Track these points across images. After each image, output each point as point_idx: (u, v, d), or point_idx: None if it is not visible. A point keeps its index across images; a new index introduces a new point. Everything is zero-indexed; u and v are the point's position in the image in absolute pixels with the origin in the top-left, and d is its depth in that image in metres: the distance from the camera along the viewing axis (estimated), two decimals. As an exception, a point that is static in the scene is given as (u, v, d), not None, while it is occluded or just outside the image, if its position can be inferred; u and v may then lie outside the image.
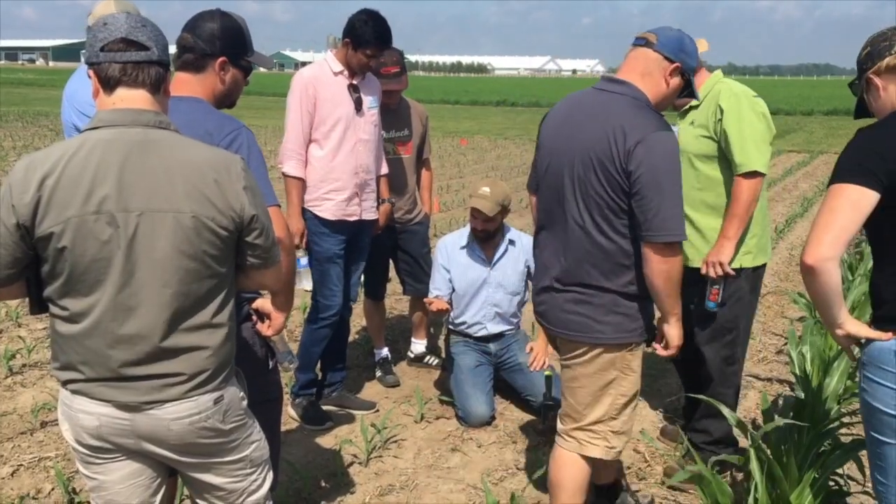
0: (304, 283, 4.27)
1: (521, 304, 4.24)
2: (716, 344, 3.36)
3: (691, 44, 2.51)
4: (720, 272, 3.22)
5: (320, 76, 3.77)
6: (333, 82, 3.77)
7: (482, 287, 4.12)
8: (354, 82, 3.81)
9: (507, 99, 41.76)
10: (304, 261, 3.99)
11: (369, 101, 3.87)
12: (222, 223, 1.80)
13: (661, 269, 2.35)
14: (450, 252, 4.19)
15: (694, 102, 3.34)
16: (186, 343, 1.81)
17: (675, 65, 2.45)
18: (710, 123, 3.24)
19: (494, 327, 4.17)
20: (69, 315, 1.78)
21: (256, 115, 25.31)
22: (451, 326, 4.31)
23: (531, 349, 4.04)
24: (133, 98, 1.80)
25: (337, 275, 3.88)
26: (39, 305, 1.84)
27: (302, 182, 3.75)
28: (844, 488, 2.85)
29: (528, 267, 4.12)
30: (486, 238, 4.11)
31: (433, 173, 4.89)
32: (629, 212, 2.36)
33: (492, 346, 4.18)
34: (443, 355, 4.75)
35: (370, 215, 3.97)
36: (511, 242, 4.15)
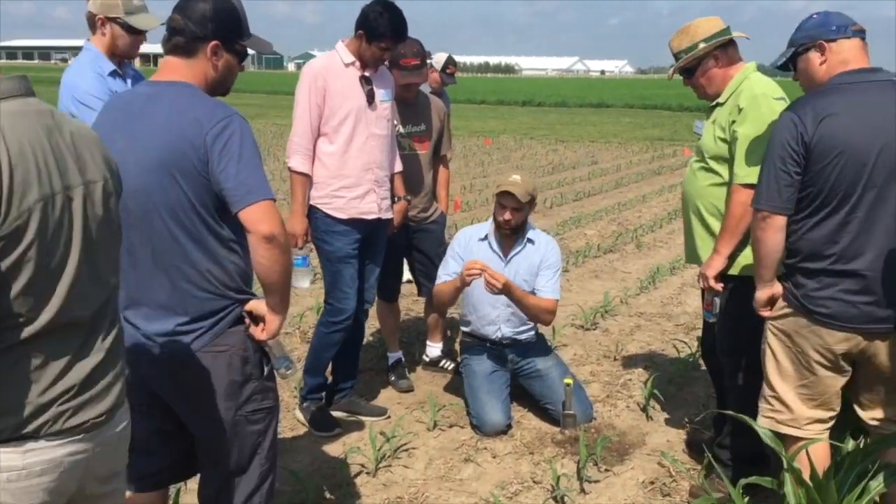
0: (301, 283, 4.13)
1: None
2: (737, 355, 3.13)
3: None
4: (703, 285, 3.15)
5: (331, 67, 3.60)
6: (344, 73, 3.60)
7: None
8: (366, 74, 3.63)
9: (534, 99, 41.38)
10: (299, 260, 3.82)
11: (382, 94, 3.69)
12: None
13: None
14: (467, 242, 4.00)
15: (720, 99, 3.12)
16: None
17: None
18: (726, 125, 3.02)
19: (509, 329, 3.94)
20: None
21: (281, 115, 25.22)
22: (465, 330, 4.13)
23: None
24: None
25: (351, 276, 3.70)
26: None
27: (308, 179, 3.58)
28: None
29: (544, 267, 3.90)
30: (512, 233, 3.90)
31: (451, 172, 4.71)
32: None
33: (508, 353, 3.99)
34: (458, 359, 4.57)
35: (387, 214, 3.80)
36: (530, 241, 3.95)
